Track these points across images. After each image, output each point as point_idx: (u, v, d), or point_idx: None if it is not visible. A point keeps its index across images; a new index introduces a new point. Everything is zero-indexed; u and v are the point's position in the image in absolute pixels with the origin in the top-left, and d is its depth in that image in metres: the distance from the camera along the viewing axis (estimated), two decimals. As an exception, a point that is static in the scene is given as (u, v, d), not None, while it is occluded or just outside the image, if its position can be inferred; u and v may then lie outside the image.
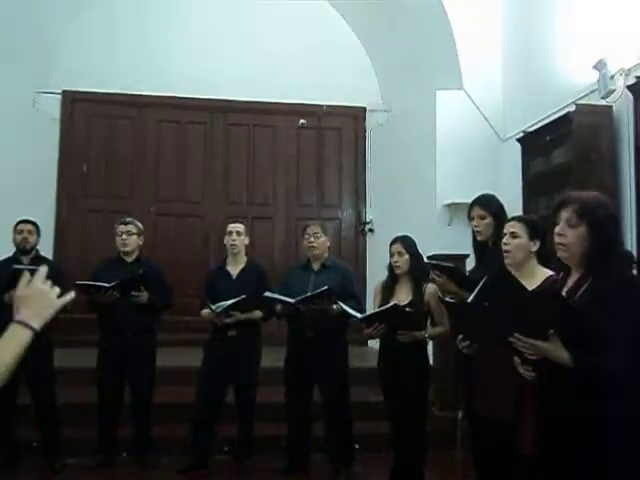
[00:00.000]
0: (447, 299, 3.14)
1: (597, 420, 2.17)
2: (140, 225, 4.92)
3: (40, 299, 1.71)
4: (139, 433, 4.74)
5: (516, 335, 2.25)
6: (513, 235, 3.00)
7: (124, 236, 4.79)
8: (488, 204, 3.58)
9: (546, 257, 2.96)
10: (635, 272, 2.39)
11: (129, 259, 4.84)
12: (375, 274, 6.09)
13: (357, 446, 4.73)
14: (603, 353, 2.11)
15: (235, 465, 4.74)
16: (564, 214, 2.34)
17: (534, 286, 2.83)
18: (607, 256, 2.25)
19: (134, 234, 4.83)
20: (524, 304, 2.32)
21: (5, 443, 4.55)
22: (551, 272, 2.90)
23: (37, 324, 1.68)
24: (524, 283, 2.86)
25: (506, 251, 3.01)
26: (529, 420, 2.58)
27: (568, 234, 2.32)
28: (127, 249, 4.81)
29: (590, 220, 2.28)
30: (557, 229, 2.36)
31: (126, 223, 4.85)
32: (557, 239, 2.36)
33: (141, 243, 4.90)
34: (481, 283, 2.79)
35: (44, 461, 4.57)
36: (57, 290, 1.74)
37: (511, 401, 2.79)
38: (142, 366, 4.69)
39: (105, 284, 4.44)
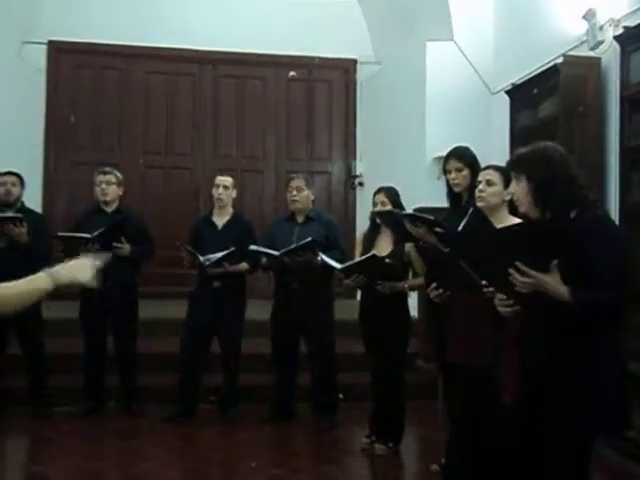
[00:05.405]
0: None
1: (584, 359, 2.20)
2: (119, 175, 4.88)
3: (79, 267, 1.95)
4: (125, 382, 4.80)
5: (517, 264, 2.17)
6: (489, 182, 3.03)
7: (103, 185, 4.76)
8: (464, 156, 3.59)
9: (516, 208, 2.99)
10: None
11: (109, 209, 4.82)
12: (364, 227, 6.03)
13: (341, 396, 4.82)
14: (596, 288, 2.13)
15: (220, 414, 4.81)
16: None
17: None
18: (550, 197, 2.28)
19: (113, 184, 4.79)
20: (524, 236, 2.34)
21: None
22: (520, 220, 2.93)
23: (59, 281, 1.86)
24: None
25: (480, 197, 3.03)
26: (511, 367, 2.61)
27: (516, 190, 2.40)
28: (107, 199, 4.78)
29: (524, 170, 2.35)
30: (509, 189, 2.50)
31: (105, 173, 4.81)
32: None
33: (121, 193, 4.87)
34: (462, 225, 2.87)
35: (31, 409, 4.62)
36: (94, 269, 1.96)
37: (489, 348, 2.83)
38: (124, 318, 4.73)
39: (86, 235, 4.41)
